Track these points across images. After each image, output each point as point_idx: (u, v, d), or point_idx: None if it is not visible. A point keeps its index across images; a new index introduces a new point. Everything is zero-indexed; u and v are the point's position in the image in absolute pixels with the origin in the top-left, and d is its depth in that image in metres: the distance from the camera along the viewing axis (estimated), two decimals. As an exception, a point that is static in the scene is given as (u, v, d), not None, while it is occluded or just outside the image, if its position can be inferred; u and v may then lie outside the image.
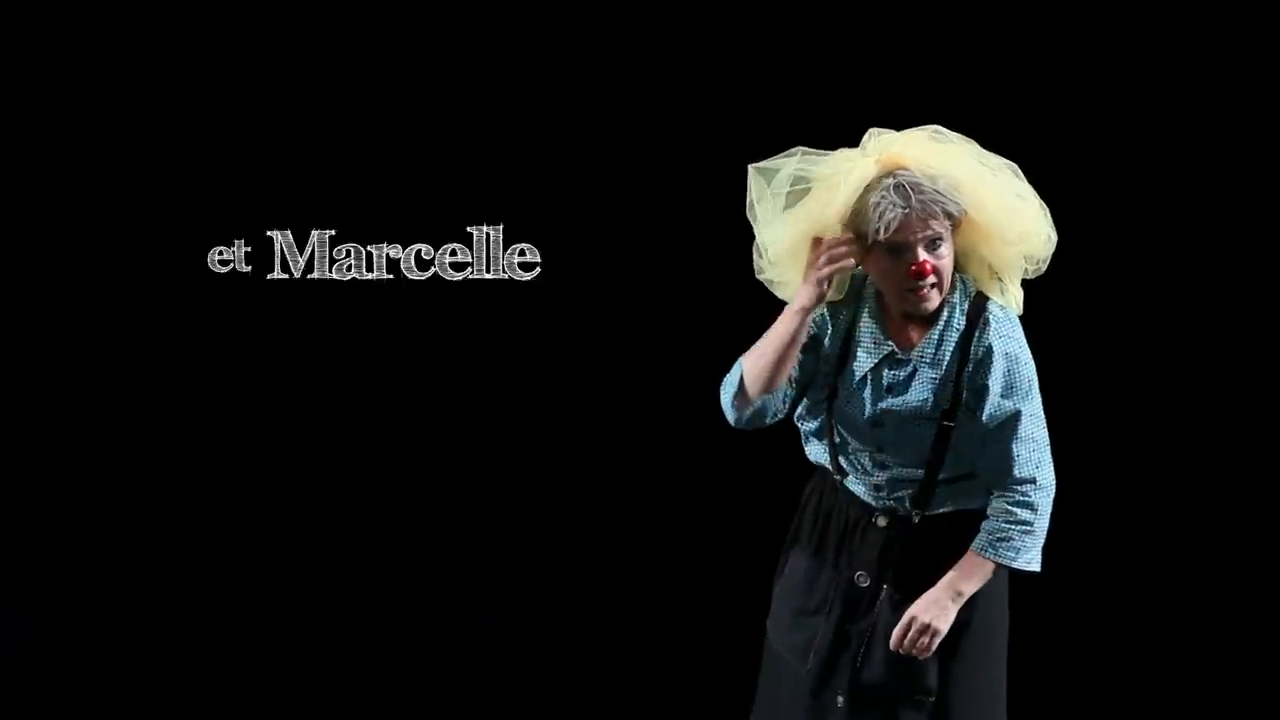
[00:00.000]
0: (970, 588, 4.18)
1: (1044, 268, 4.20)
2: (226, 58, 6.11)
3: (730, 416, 4.25)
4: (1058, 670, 5.95)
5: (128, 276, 6.18)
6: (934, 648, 4.16)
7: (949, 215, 4.07)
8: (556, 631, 6.11)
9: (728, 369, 4.24)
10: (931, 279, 4.09)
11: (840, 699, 4.25)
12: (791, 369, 4.18)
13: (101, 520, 6.22)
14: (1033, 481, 4.18)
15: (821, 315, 4.22)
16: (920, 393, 4.17)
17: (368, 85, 6.09)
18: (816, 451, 4.32)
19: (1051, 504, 4.21)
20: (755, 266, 4.22)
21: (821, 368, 4.24)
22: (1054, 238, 4.18)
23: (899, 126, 4.17)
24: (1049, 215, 4.18)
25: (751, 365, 4.19)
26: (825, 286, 4.11)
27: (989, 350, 4.16)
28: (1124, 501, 6.09)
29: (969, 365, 4.16)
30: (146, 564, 6.21)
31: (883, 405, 4.19)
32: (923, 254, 4.07)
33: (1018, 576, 4.29)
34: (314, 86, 6.10)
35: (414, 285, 6.10)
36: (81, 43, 6.09)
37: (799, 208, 4.13)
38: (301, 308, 6.14)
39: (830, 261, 4.09)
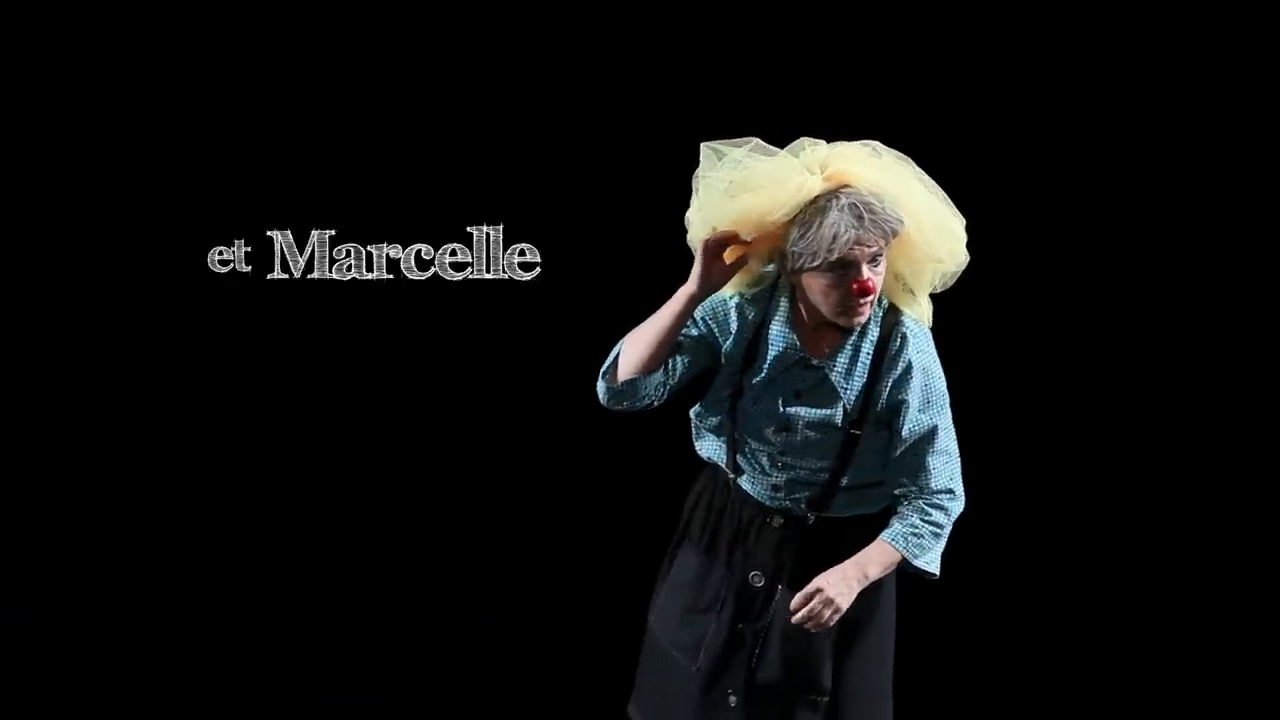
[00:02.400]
0: (876, 573, 4.20)
1: (952, 283, 4.23)
2: (226, 58, 6.11)
3: (601, 393, 4.24)
4: (940, 669, 5.95)
5: (128, 276, 6.18)
6: (832, 622, 4.16)
7: (892, 233, 4.09)
8: (556, 631, 6.11)
9: None
10: (871, 296, 4.12)
11: (733, 698, 4.26)
12: (667, 357, 4.19)
13: (102, 520, 6.22)
14: (950, 492, 4.23)
15: (726, 313, 4.23)
16: (830, 401, 4.18)
17: (367, 85, 6.09)
18: (711, 448, 4.33)
19: (952, 521, 4.26)
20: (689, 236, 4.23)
21: (725, 366, 4.24)
22: (965, 260, 4.22)
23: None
24: (963, 237, 4.21)
25: (629, 344, 4.21)
26: (712, 280, 4.13)
27: (908, 366, 4.18)
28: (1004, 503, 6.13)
29: (885, 379, 4.18)
30: (146, 564, 6.21)
31: (790, 410, 4.20)
32: (866, 272, 4.09)
33: (906, 579, 4.31)
34: (313, 87, 6.10)
35: (414, 285, 6.10)
36: (81, 43, 6.09)
37: (743, 202, 4.13)
38: (301, 307, 6.14)
39: (709, 256, 4.12)
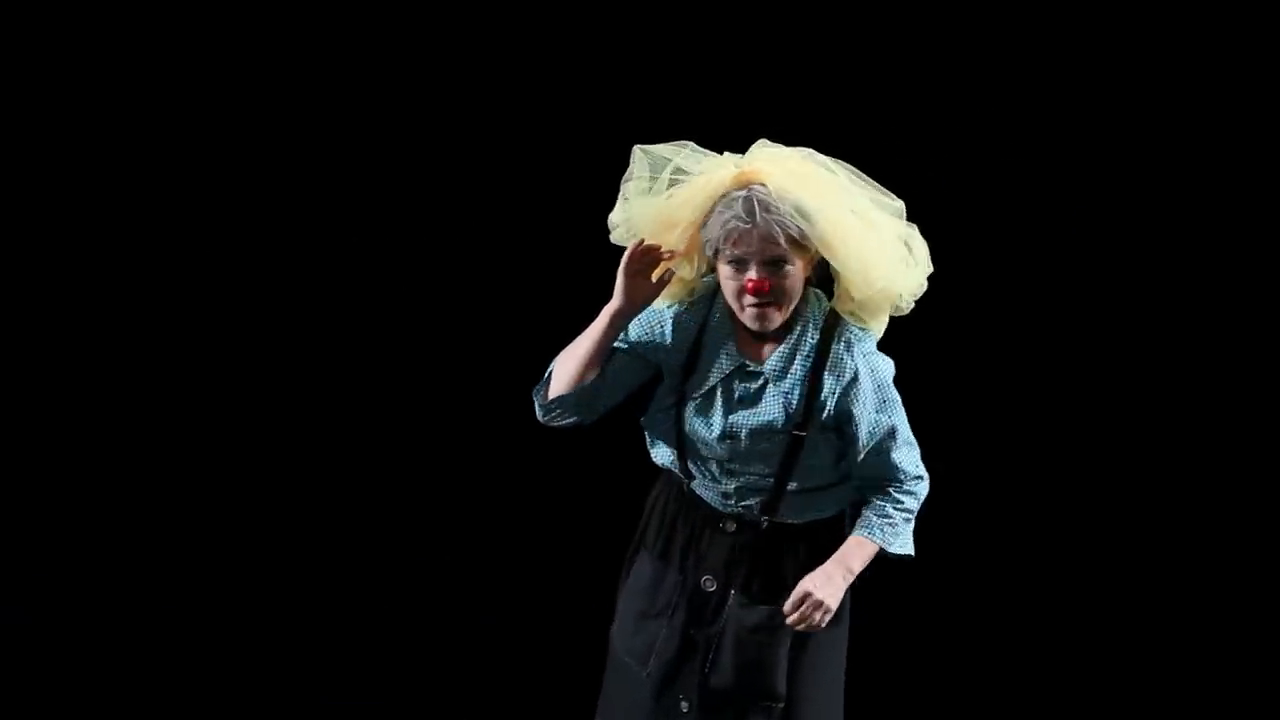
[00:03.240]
0: (859, 567, 4.19)
1: (907, 309, 4.19)
2: (226, 59, 6.11)
3: (537, 408, 4.23)
4: (891, 674, 5.95)
5: (128, 276, 6.18)
6: (824, 624, 4.14)
7: (794, 240, 4.04)
8: (556, 631, 6.11)
9: None
10: (768, 298, 4.07)
11: (685, 704, 4.23)
12: (596, 373, 4.15)
13: (102, 520, 6.22)
14: (919, 478, 4.24)
15: (662, 325, 4.20)
16: (772, 406, 4.16)
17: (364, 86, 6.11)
18: (663, 455, 4.31)
19: (920, 504, 4.27)
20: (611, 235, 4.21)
21: (668, 378, 4.22)
22: (923, 285, 4.17)
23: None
24: (921, 262, 4.15)
25: (560, 362, 4.19)
26: (636, 295, 4.10)
27: (855, 371, 4.15)
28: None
29: (831, 385, 4.14)
30: (146, 564, 6.22)
31: (733, 418, 4.17)
32: (757, 271, 4.05)
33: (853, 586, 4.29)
34: (310, 88, 6.12)
35: (412, 285, 6.12)
36: (81, 44, 6.10)
37: (665, 199, 4.11)
38: (301, 307, 6.15)
39: (629, 271, 4.09)
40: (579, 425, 4.24)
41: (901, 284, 4.15)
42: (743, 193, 4.04)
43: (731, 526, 4.22)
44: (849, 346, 4.15)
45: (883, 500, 4.21)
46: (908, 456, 4.22)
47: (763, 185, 4.05)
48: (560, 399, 4.18)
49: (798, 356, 4.15)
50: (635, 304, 4.11)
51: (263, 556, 6.21)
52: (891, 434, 4.18)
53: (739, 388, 4.17)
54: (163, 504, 6.23)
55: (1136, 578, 6.17)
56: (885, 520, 4.19)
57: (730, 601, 4.20)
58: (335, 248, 6.16)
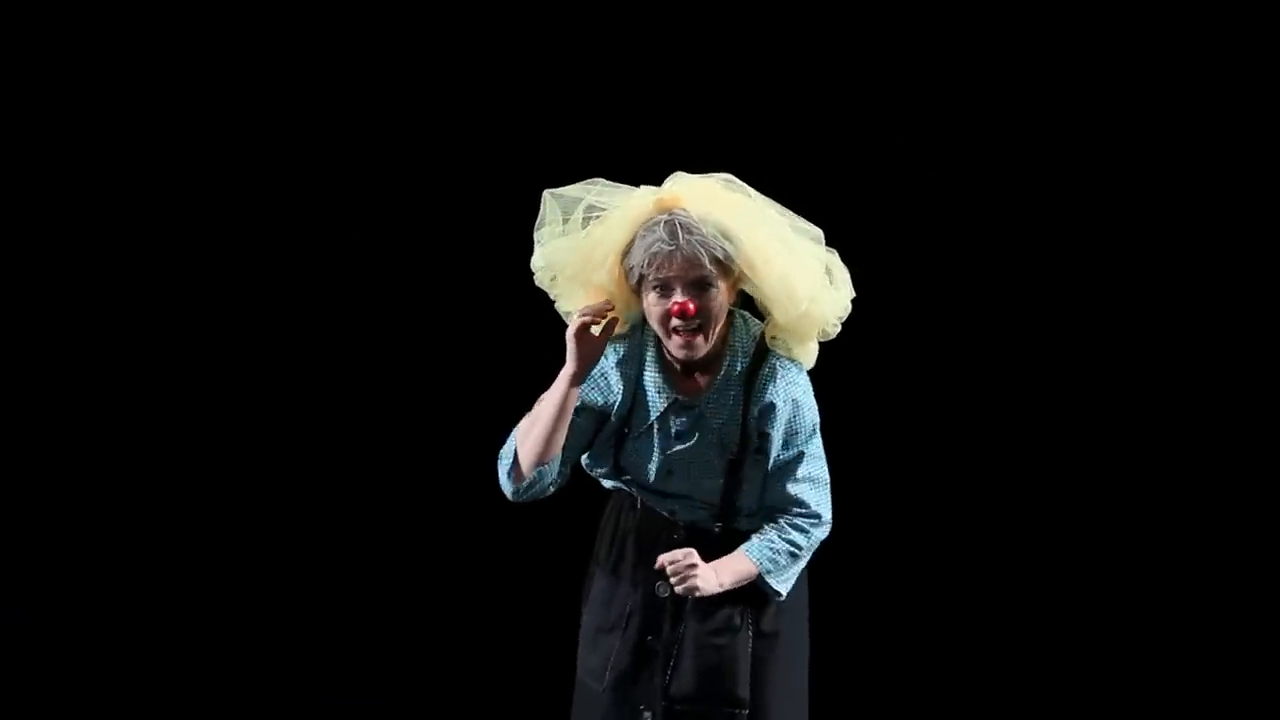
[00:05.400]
0: (729, 581, 4.12)
1: (834, 333, 4.16)
2: (225, 60, 6.11)
3: (507, 491, 4.19)
4: (856, 680, 5.96)
5: (127, 276, 6.18)
6: (680, 589, 4.07)
7: (718, 261, 4.02)
8: (556, 631, 6.10)
9: None
10: (695, 322, 4.04)
11: (648, 715, 4.18)
12: (562, 440, 4.12)
13: (102, 520, 6.22)
14: (815, 517, 4.18)
15: (605, 376, 4.18)
16: (706, 440, 4.13)
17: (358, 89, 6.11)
18: (608, 483, 4.29)
19: (820, 543, 4.21)
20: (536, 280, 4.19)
21: (610, 425, 4.19)
22: (847, 308, 4.15)
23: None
24: (843, 286, 4.14)
25: (524, 437, 4.15)
26: (588, 356, 4.08)
27: (771, 402, 4.12)
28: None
29: (754, 412, 4.12)
30: (146, 564, 6.21)
31: (671, 453, 4.15)
32: (683, 293, 4.02)
33: (817, 591, 4.29)
34: (306, 89, 6.12)
35: (410, 286, 6.12)
36: (82, 44, 6.10)
37: (583, 237, 4.09)
38: (300, 307, 6.15)
39: (579, 338, 4.06)
40: (550, 493, 4.21)
41: (827, 305, 4.12)
42: (664, 217, 4.02)
43: (682, 534, 4.18)
44: (773, 375, 4.13)
45: (775, 529, 4.17)
46: (811, 494, 4.18)
47: (683, 210, 4.03)
48: (540, 471, 4.15)
49: (729, 387, 4.14)
50: (588, 363, 4.10)
51: (263, 556, 6.21)
52: (796, 463, 4.15)
53: (675, 423, 4.15)
54: (163, 504, 6.22)
55: (1131, 579, 6.17)
56: (769, 548, 4.15)
57: (689, 607, 4.16)
58: (330, 247, 6.16)
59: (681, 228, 4.00)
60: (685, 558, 4.07)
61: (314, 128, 6.12)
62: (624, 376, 4.18)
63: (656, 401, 4.15)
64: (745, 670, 4.16)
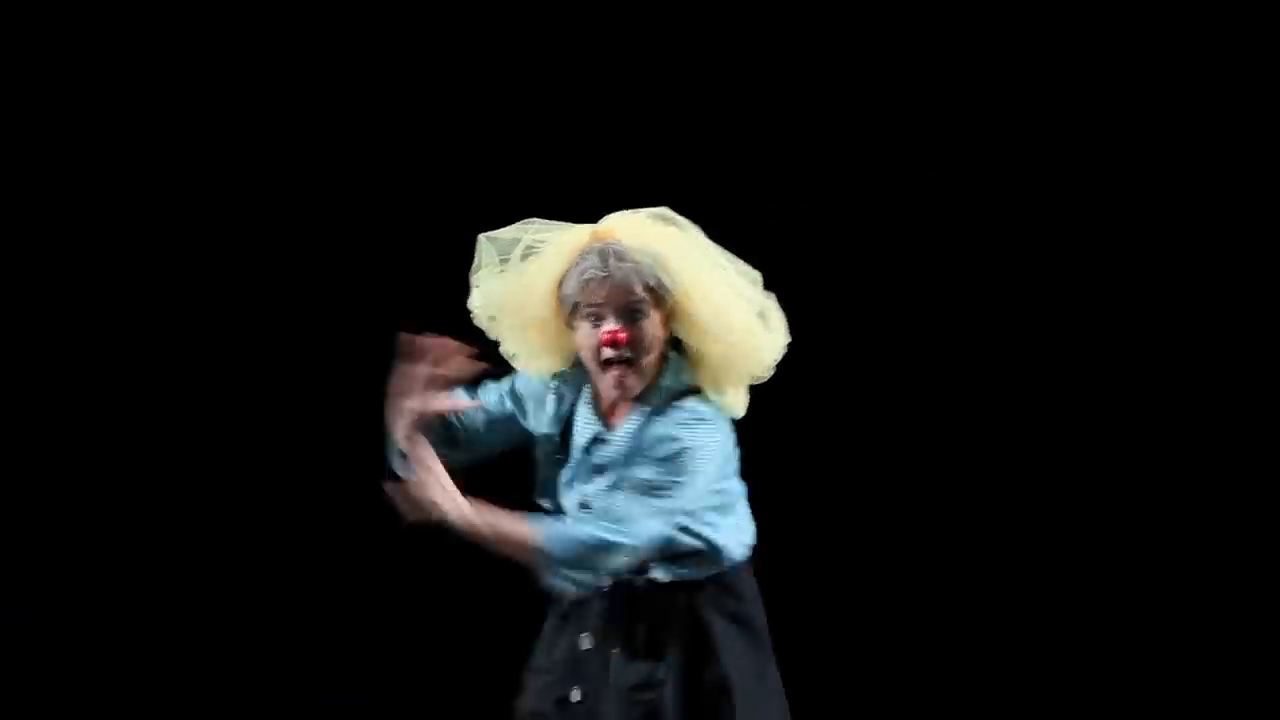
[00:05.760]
0: (486, 524, 3.93)
1: (766, 377, 4.09)
2: (224, 61, 6.12)
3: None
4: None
5: (126, 277, 6.19)
6: (418, 491, 3.92)
7: (651, 290, 3.98)
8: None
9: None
10: (625, 352, 3.98)
11: None
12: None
13: (101, 520, 6.22)
14: (618, 522, 3.97)
15: (543, 395, 4.15)
16: (617, 475, 4.05)
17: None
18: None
19: (600, 557, 3.96)
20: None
21: (544, 448, 4.14)
22: (782, 350, 4.08)
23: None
24: (778, 329, 4.08)
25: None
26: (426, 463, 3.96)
27: (661, 432, 4.01)
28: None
29: (646, 441, 4.04)
30: (146, 564, 6.22)
31: (587, 488, 4.09)
32: (614, 321, 3.98)
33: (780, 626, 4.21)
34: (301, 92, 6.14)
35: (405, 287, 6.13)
36: (83, 45, 6.11)
37: (519, 274, 4.07)
38: (299, 307, 6.16)
39: (406, 435, 3.98)
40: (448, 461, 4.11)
41: (764, 343, 4.06)
42: (598, 245, 3.99)
43: (608, 585, 4.10)
44: (679, 411, 4.03)
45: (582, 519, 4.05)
46: (628, 504, 3.99)
47: (617, 240, 4.01)
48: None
49: (651, 422, 4.05)
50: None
51: (263, 557, 6.22)
52: (640, 485, 3.99)
53: (595, 456, 4.09)
54: (162, 504, 6.23)
55: (1125, 580, 6.18)
56: (562, 525, 4.00)
57: (611, 660, 4.08)
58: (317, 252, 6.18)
59: (614, 254, 3.96)
60: (423, 469, 3.91)
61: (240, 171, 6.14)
62: (560, 403, 4.14)
63: (583, 432, 4.10)
64: None
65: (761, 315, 4.06)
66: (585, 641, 4.12)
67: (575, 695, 4.10)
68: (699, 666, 4.07)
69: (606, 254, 3.98)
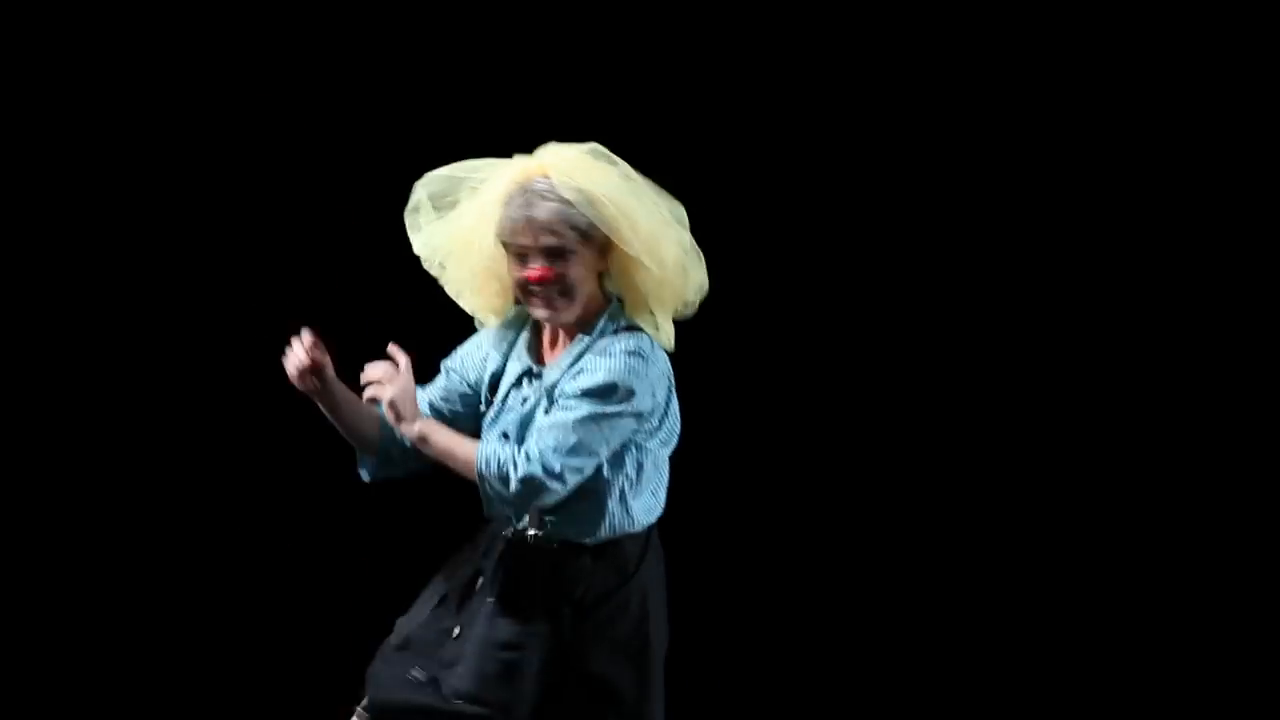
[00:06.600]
0: (436, 438, 4.12)
1: (690, 312, 4.22)
2: (223, 62, 6.13)
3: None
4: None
5: (125, 277, 6.19)
6: (370, 393, 4.09)
7: (576, 228, 4.10)
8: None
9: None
10: (553, 289, 4.11)
11: (417, 674, 4.26)
12: (358, 427, 4.26)
13: (101, 520, 6.23)
14: (549, 451, 4.09)
15: (480, 342, 4.29)
16: (541, 410, 4.17)
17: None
18: None
19: (519, 486, 4.10)
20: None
21: (485, 389, 4.26)
22: (705, 285, 4.21)
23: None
24: (702, 263, 4.20)
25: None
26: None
27: (603, 349, 4.14)
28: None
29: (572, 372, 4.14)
30: (146, 564, 6.23)
31: (516, 421, 4.19)
32: (537, 261, 4.10)
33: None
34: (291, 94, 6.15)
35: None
36: (83, 46, 6.11)
37: (455, 213, 4.18)
38: (298, 308, 6.16)
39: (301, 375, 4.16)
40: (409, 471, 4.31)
41: (692, 271, 4.18)
42: (526, 184, 4.10)
43: (508, 533, 4.23)
44: (609, 341, 4.16)
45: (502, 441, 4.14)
46: (549, 432, 4.10)
47: (546, 178, 4.10)
48: (366, 458, 4.30)
49: (580, 356, 4.17)
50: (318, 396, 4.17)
51: (262, 557, 6.22)
52: (565, 405, 4.11)
53: (524, 391, 4.22)
54: (162, 504, 6.24)
55: (1119, 581, 6.19)
56: (490, 447, 4.11)
57: (486, 609, 4.20)
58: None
59: (539, 195, 4.08)
60: (385, 373, 4.07)
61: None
62: (503, 340, 4.26)
63: (516, 367, 4.22)
64: (526, 688, 4.15)
65: (690, 248, 4.18)
66: (479, 583, 4.24)
67: (455, 630, 4.22)
68: (569, 641, 4.17)
69: (530, 195, 4.09)
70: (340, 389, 4.18)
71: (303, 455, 6.17)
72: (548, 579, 4.20)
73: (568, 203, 4.10)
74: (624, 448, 4.16)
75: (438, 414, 4.28)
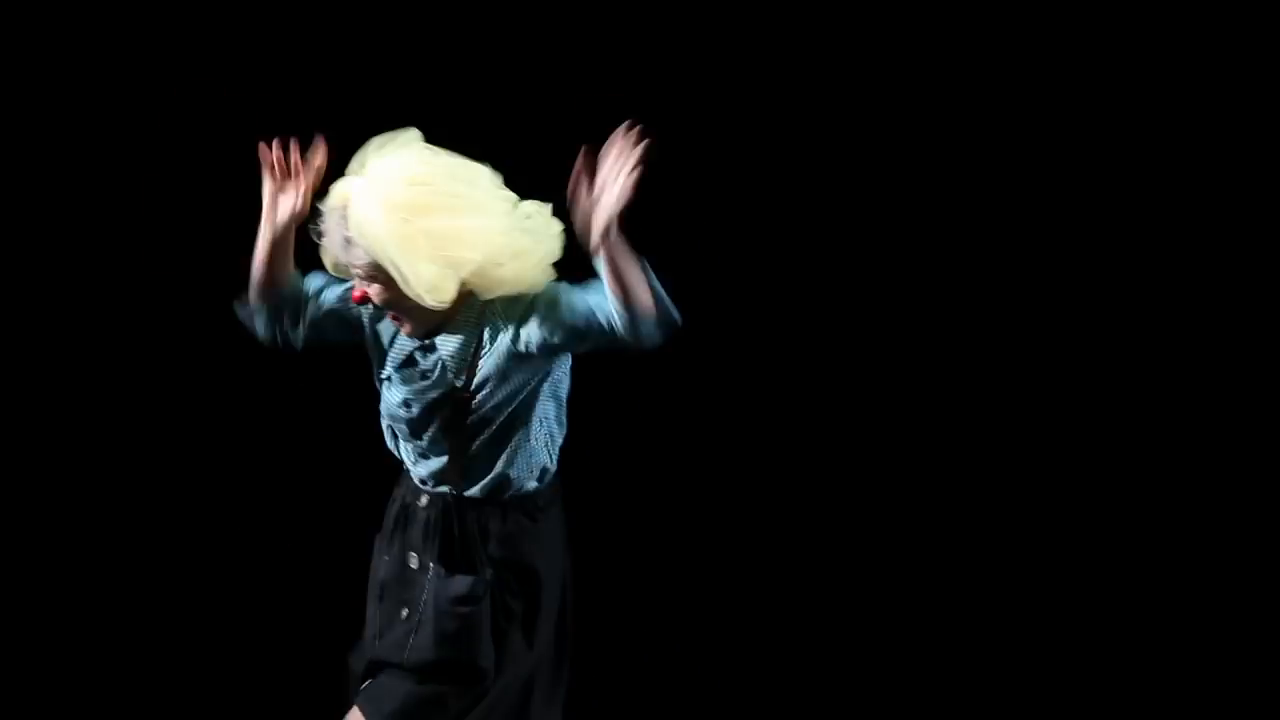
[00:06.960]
0: (623, 255, 4.00)
1: (549, 279, 4.24)
2: (222, 63, 6.14)
3: (249, 326, 4.42)
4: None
5: (125, 277, 6.20)
6: (590, 209, 3.98)
7: (370, 265, 4.15)
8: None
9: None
10: (386, 310, 4.21)
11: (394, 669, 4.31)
12: (281, 270, 4.28)
13: (101, 520, 6.24)
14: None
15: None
16: (444, 376, 4.24)
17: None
18: (388, 438, 4.44)
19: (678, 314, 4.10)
20: None
21: (373, 356, 4.35)
22: (556, 253, 4.20)
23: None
24: (543, 230, 4.20)
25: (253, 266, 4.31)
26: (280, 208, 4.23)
27: (502, 323, 4.21)
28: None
29: (511, 335, 4.20)
30: (146, 564, 6.23)
31: (412, 389, 4.27)
32: (359, 285, 4.21)
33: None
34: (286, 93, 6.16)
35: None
36: (83, 46, 6.12)
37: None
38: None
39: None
40: (290, 347, 4.39)
41: (536, 253, 4.18)
42: (337, 209, 4.18)
43: (424, 501, 4.32)
44: (501, 302, 4.22)
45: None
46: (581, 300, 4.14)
47: (345, 211, 4.17)
48: (262, 307, 4.34)
49: (465, 324, 4.23)
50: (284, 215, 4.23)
51: (263, 557, 6.23)
52: (558, 293, 4.17)
53: (421, 360, 4.27)
54: (163, 504, 6.24)
55: (1115, 582, 6.20)
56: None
57: (430, 574, 4.27)
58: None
59: (345, 240, 4.17)
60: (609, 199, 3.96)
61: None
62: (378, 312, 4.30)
63: (401, 348, 4.30)
64: (486, 639, 4.25)
65: (525, 230, 4.17)
66: (412, 561, 4.32)
67: (404, 613, 4.30)
68: (514, 582, 4.29)
69: (341, 223, 4.16)
70: (297, 218, 4.24)
71: (302, 455, 6.18)
72: (485, 530, 4.31)
73: (349, 241, 4.18)
74: (551, 398, 4.30)
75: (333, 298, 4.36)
